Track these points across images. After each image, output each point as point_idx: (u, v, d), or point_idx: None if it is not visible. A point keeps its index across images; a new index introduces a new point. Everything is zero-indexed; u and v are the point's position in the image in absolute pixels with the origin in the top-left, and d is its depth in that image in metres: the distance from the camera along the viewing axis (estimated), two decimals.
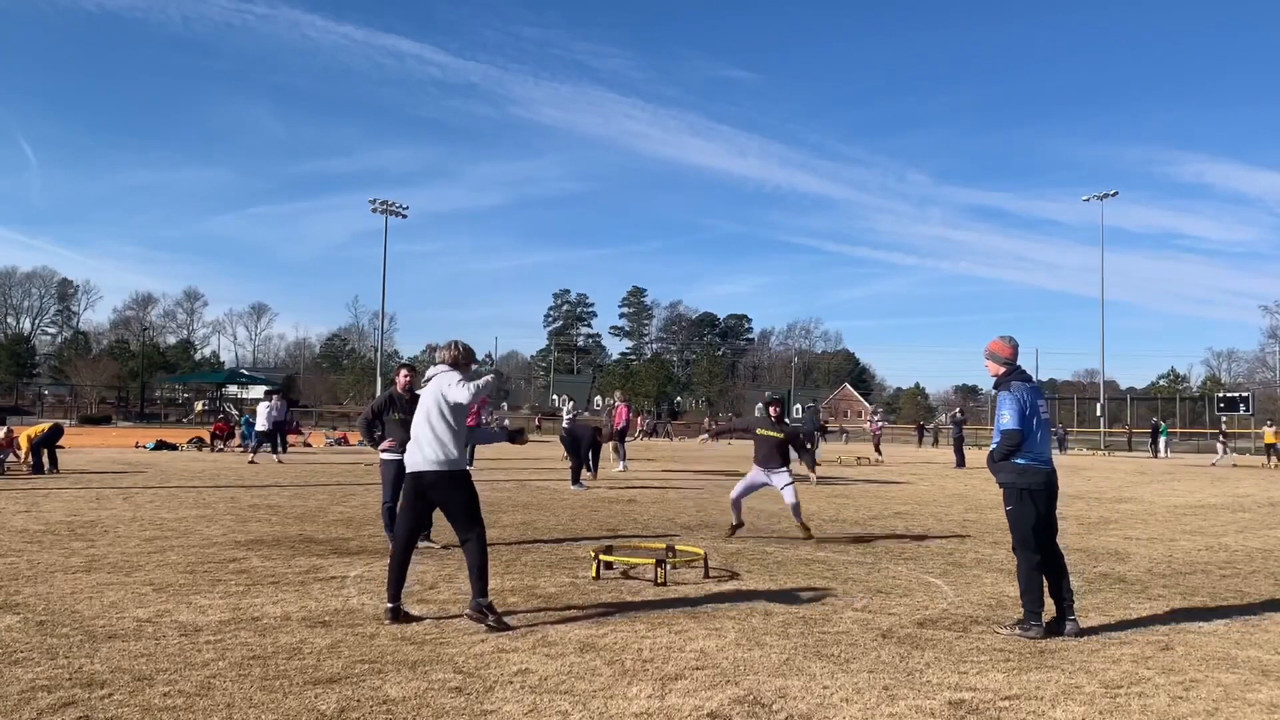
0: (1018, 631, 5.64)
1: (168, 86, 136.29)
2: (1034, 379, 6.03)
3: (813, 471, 10.08)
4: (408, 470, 5.72)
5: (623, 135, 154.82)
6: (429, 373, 5.89)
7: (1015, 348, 6.00)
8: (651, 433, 55.03)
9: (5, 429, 17.30)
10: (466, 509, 5.66)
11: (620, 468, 20.51)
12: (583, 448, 16.10)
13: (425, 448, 5.63)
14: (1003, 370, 5.97)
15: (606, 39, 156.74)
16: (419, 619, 5.63)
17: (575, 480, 15.73)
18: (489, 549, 5.78)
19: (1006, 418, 5.75)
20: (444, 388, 5.65)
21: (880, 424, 32.79)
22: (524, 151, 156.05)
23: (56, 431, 17.08)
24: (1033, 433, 5.76)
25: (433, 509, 5.89)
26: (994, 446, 5.89)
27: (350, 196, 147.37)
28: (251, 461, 20.43)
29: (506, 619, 5.59)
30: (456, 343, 5.93)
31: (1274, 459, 31.37)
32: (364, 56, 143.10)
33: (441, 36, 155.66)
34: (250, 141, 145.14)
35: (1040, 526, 5.77)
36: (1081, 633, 5.72)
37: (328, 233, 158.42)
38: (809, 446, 23.95)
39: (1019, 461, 5.77)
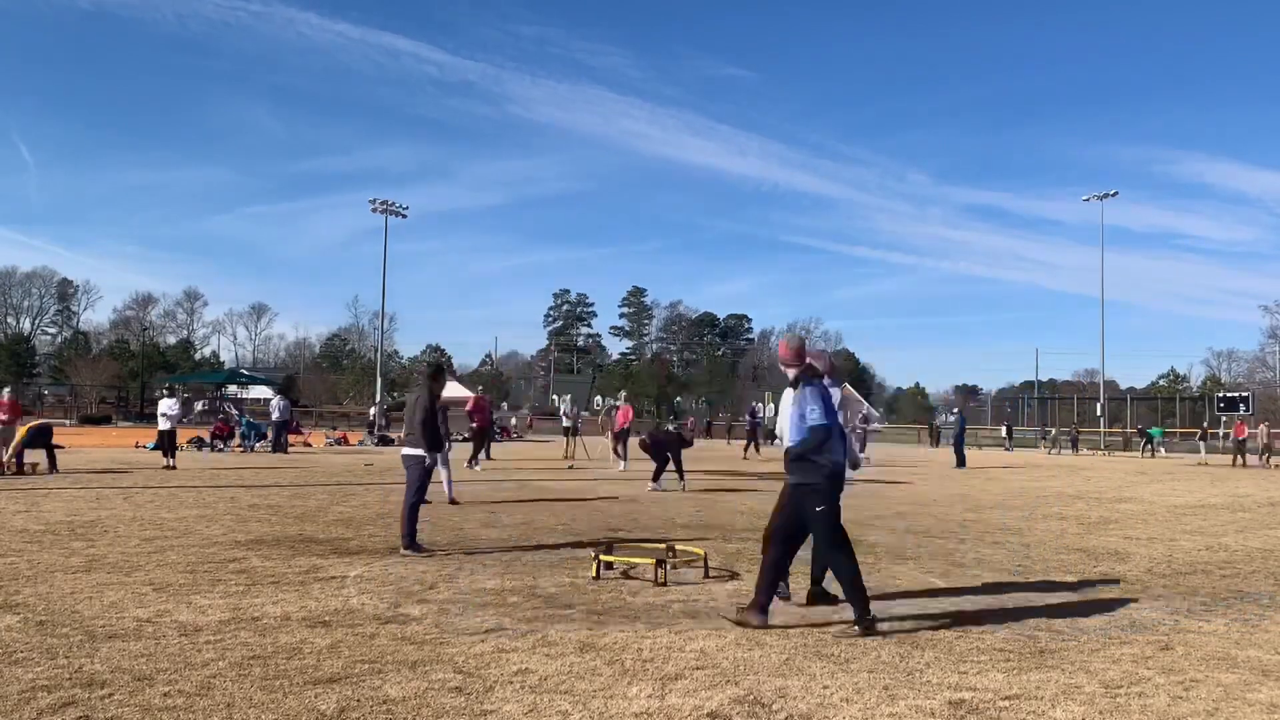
0: (856, 629, 5.51)
1: (166, 86, 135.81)
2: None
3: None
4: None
5: (622, 135, 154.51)
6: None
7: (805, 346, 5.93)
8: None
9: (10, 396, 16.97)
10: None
11: (621, 468, 20.57)
12: (662, 453, 16.16)
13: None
14: (801, 367, 5.82)
15: (605, 38, 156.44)
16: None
17: (655, 479, 15.90)
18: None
19: (817, 413, 5.58)
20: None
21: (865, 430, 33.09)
22: (523, 151, 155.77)
23: (43, 432, 16.68)
24: (835, 431, 5.69)
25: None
26: (794, 442, 5.69)
27: (349, 196, 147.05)
28: (169, 466, 17.71)
29: (506, 620, 5.59)
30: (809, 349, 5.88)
31: (1269, 458, 31.70)
32: (361, 55, 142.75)
33: (438, 35, 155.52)
34: (249, 141, 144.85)
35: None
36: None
37: (327, 232, 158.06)
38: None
39: (821, 460, 5.63)
